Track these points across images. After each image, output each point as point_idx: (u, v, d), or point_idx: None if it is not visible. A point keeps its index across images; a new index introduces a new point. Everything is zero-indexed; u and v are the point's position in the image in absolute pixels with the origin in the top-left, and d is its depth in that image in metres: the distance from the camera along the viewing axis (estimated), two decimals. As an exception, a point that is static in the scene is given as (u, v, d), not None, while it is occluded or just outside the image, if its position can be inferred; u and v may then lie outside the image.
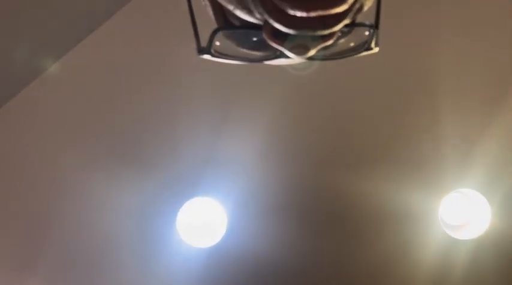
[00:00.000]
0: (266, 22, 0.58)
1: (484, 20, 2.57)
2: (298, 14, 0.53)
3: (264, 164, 2.61)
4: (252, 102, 2.55)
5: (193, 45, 0.66)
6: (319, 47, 0.60)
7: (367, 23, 0.64)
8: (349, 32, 0.64)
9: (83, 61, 2.49)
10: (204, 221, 2.59)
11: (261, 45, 0.63)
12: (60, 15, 2.33)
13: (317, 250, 2.67)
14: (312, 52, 0.60)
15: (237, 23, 0.65)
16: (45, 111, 2.54)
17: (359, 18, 0.63)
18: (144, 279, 2.60)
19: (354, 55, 0.66)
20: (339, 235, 2.67)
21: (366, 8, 0.60)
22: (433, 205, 2.63)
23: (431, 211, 2.63)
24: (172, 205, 2.54)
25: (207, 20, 0.68)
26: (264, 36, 0.59)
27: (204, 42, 0.65)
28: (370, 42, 0.65)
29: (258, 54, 0.66)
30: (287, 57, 0.62)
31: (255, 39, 0.63)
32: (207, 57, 0.65)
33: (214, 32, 0.63)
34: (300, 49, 0.59)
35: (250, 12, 0.59)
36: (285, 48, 0.59)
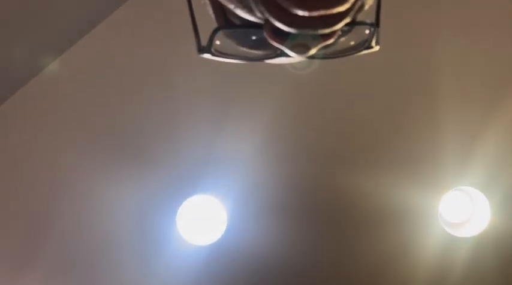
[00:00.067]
0: (267, 21, 0.58)
1: (484, 19, 2.57)
2: (301, 13, 0.53)
3: (264, 162, 2.61)
4: (252, 100, 2.55)
5: (194, 44, 0.66)
6: (319, 46, 0.60)
7: (368, 21, 0.64)
8: (349, 31, 0.64)
9: (83, 59, 2.49)
10: (204, 218, 2.59)
11: (262, 44, 0.63)
12: (59, 13, 2.32)
13: (317, 248, 2.68)
14: (312, 51, 0.60)
15: (237, 22, 0.65)
16: (44, 109, 2.54)
17: (359, 17, 0.63)
18: (144, 277, 2.60)
19: (354, 53, 0.66)
20: (339, 233, 2.67)
21: (366, 6, 0.60)
22: (433, 203, 2.63)
23: (431, 209, 2.64)
24: (172, 203, 2.54)
25: (207, 19, 0.68)
26: (265, 35, 0.59)
27: (204, 41, 0.65)
28: (371, 41, 0.65)
29: (258, 53, 0.66)
30: (288, 55, 0.62)
31: (255, 38, 0.63)
32: (207, 56, 0.65)
33: (215, 31, 0.63)
34: (301, 48, 0.59)
35: (250, 11, 0.59)
36: (286, 47, 0.59)
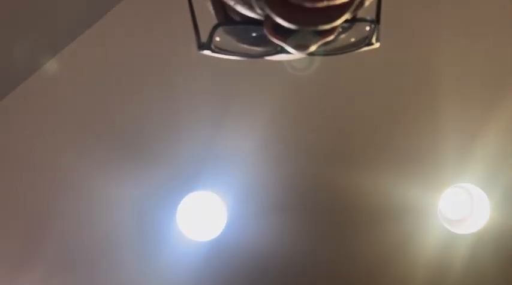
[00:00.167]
0: (267, 17, 0.57)
1: (484, 18, 2.57)
2: (307, 4, 0.52)
3: (264, 158, 2.61)
4: (252, 97, 2.55)
5: (194, 41, 0.65)
6: (320, 43, 0.60)
7: (368, 18, 0.63)
8: (350, 27, 0.64)
9: (82, 55, 2.49)
10: (203, 214, 2.59)
11: (262, 41, 0.63)
12: (59, 10, 2.32)
13: (316, 244, 2.68)
14: (313, 48, 0.60)
15: (237, 19, 0.65)
16: (43, 106, 2.54)
17: (360, 15, 0.63)
18: (144, 273, 2.61)
19: (355, 50, 0.66)
20: (338, 230, 2.68)
21: (367, 3, 0.60)
22: (432, 199, 2.63)
23: (431, 206, 2.64)
24: (173, 199, 2.54)
25: (207, 16, 0.68)
26: (265, 31, 0.59)
27: (204, 38, 0.65)
28: (371, 38, 0.65)
29: (258, 49, 0.66)
30: (288, 52, 0.62)
31: (255, 34, 0.63)
32: (207, 52, 0.65)
33: (215, 28, 0.63)
34: (301, 45, 0.59)
35: (250, 7, 0.59)
36: (286, 43, 0.59)
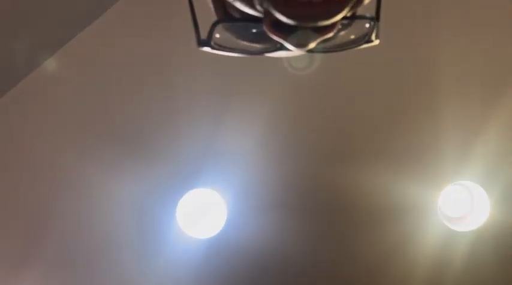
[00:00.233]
0: (266, 14, 0.57)
1: (485, 15, 2.57)
2: None
3: (264, 156, 2.61)
4: (251, 94, 2.55)
5: (194, 38, 0.65)
6: (319, 39, 0.60)
7: (368, 15, 0.63)
8: (349, 25, 0.64)
9: (81, 53, 2.48)
10: (203, 212, 2.60)
11: (261, 38, 0.63)
12: (58, 7, 2.32)
13: (316, 242, 2.68)
14: (312, 45, 0.60)
15: (236, 16, 0.65)
16: (42, 104, 2.53)
17: (359, 12, 0.63)
18: (144, 269, 2.61)
19: (354, 47, 0.66)
20: (338, 228, 2.68)
21: (366, 0, 0.60)
22: (432, 197, 2.64)
23: (431, 203, 2.64)
24: (173, 196, 2.55)
25: (207, 13, 0.68)
26: (264, 28, 0.59)
27: (204, 35, 0.65)
28: (371, 35, 0.65)
29: (258, 46, 0.66)
30: (287, 49, 0.62)
31: (254, 31, 0.63)
32: (207, 49, 0.65)
33: (214, 24, 0.63)
34: (300, 42, 0.59)
35: (250, 4, 0.59)
36: (285, 40, 0.59)
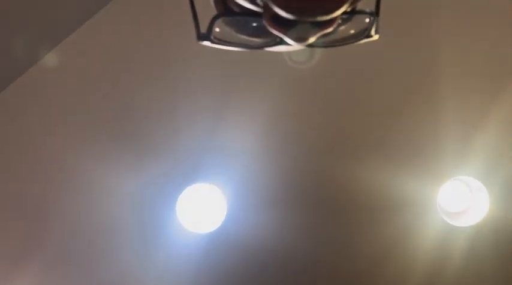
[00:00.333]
0: (266, 8, 0.57)
1: (485, 11, 2.56)
2: None
3: (264, 151, 2.61)
4: (252, 90, 2.55)
5: (194, 33, 0.65)
6: (319, 34, 0.60)
7: (368, 10, 0.64)
8: (349, 20, 0.64)
9: (81, 47, 2.48)
10: (203, 207, 2.60)
11: (261, 32, 0.63)
12: (57, 1, 2.31)
13: (316, 238, 2.69)
14: (312, 40, 0.60)
15: (237, 10, 0.65)
16: (42, 98, 2.53)
17: (359, 7, 0.63)
18: (144, 263, 2.61)
19: (354, 42, 0.66)
20: (338, 221, 2.68)
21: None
22: (431, 192, 2.64)
23: (430, 198, 2.64)
24: (173, 191, 2.55)
25: (207, 7, 0.68)
26: (264, 22, 0.59)
27: (204, 29, 0.65)
28: (370, 30, 0.65)
29: (257, 40, 0.66)
30: (287, 43, 0.62)
31: (254, 25, 0.63)
32: (206, 43, 0.65)
33: (214, 18, 0.63)
34: (300, 36, 0.59)
35: (250, -2, 0.59)
36: (285, 34, 0.59)
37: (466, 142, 2.60)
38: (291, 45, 0.62)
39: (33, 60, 2.47)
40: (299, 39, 0.59)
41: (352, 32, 0.66)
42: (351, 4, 0.58)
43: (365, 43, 0.67)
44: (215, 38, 0.64)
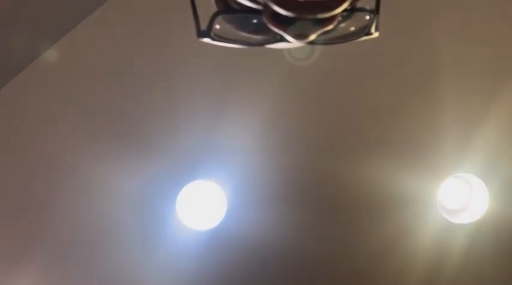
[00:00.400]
0: (266, 5, 0.57)
1: (485, 11, 2.56)
2: None
3: (264, 148, 2.62)
4: (251, 87, 2.55)
5: (194, 31, 0.66)
6: (319, 32, 0.60)
7: (368, 7, 0.64)
8: (349, 17, 0.64)
9: (81, 44, 2.47)
10: (203, 204, 2.60)
11: (261, 29, 0.63)
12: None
13: (316, 235, 2.69)
14: (312, 37, 0.60)
15: (237, 7, 0.65)
16: (42, 96, 2.53)
17: (359, 4, 0.63)
18: (144, 260, 2.62)
19: (354, 39, 0.66)
20: (338, 219, 2.69)
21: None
22: (431, 189, 2.64)
23: (430, 196, 2.65)
24: (172, 188, 2.55)
25: (207, 4, 0.68)
26: (264, 19, 0.59)
27: (204, 26, 0.65)
28: (370, 27, 0.65)
29: (257, 37, 0.66)
30: (287, 41, 0.62)
31: (254, 22, 0.63)
32: (207, 40, 0.65)
33: (214, 16, 0.63)
34: (300, 34, 0.59)
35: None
36: (285, 32, 0.59)
37: (466, 140, 2.60)
38: (291, 43, 0.63)
39: (33, 57, 2.47)
40: (299, 37, 0.59)
41: (352, 29, 0.66)
42: (351, 2, 0.58)
43: (365, 41, 0.67)
44: (215, 35, 0.64)
